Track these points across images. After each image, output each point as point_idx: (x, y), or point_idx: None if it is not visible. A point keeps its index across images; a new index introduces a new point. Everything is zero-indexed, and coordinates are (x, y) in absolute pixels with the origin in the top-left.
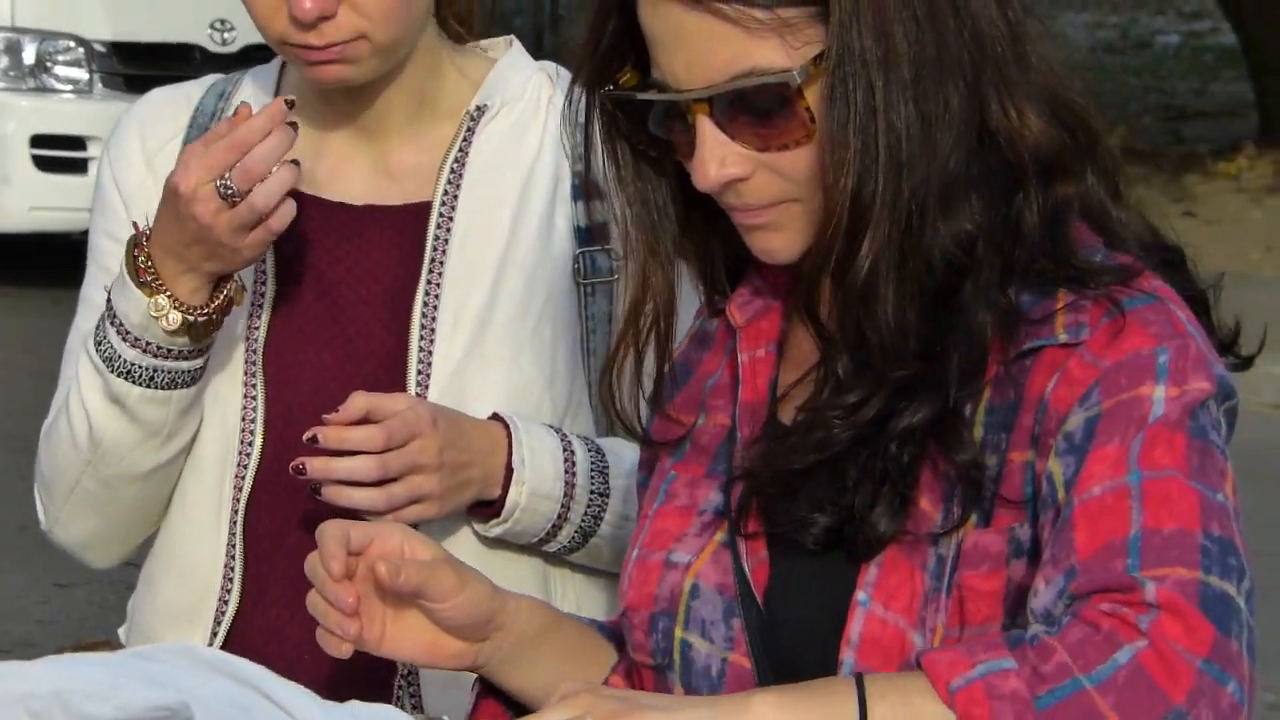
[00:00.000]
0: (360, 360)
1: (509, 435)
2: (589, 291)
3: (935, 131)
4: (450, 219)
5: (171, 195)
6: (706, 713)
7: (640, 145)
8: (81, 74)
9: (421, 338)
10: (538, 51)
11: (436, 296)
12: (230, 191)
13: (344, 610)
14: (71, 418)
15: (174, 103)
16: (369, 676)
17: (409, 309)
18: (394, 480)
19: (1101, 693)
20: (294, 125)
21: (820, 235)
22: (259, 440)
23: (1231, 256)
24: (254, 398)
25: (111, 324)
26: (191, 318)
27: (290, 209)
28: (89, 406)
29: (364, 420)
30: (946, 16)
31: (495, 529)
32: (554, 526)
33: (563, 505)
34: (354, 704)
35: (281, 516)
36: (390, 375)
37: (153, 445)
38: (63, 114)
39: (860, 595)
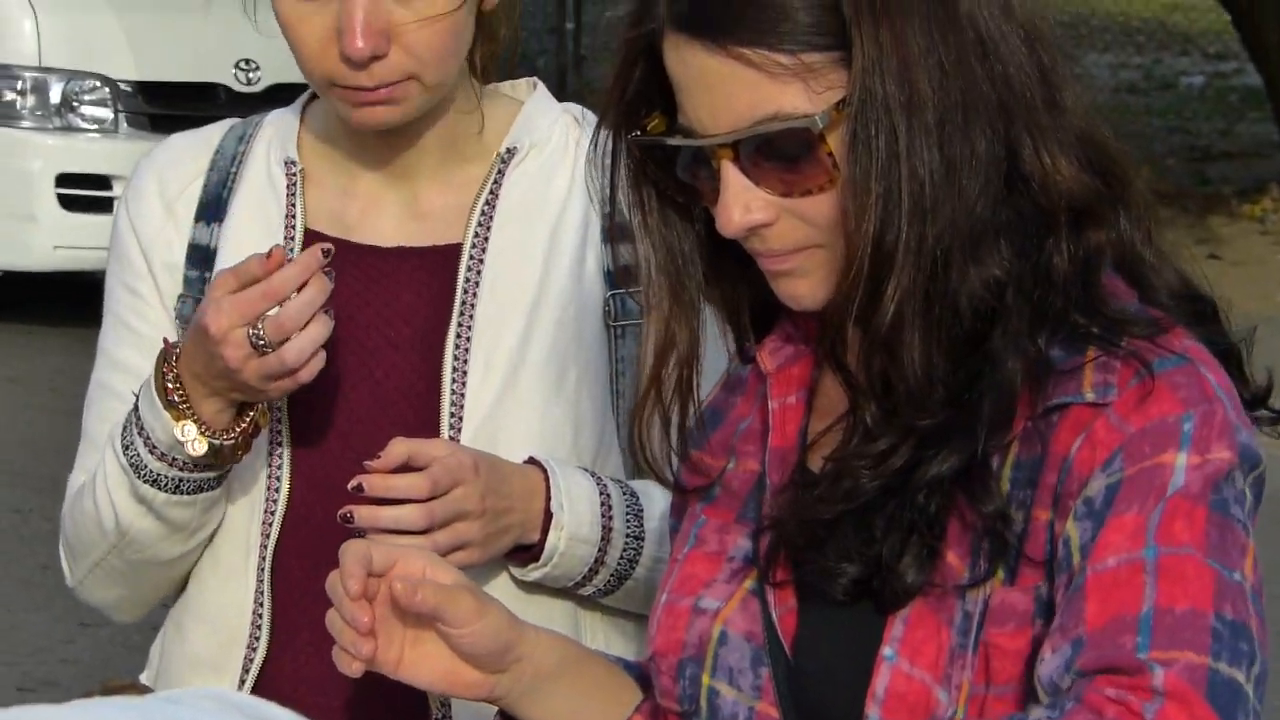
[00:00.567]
0: (389, 403)
1: (546, 479)
2: (618, 334)
3: (961, 177)
4: (481, 261)
5: (201, 334)
6: None
7: (667, 191)
8: (107, 113)
9: (454, 380)
10: (561, 92)
11: (468, 339)
12: (262, 342)
13: (359, 629)
14: (98, 503)
15: (193, 147)
16: None
17: (439, 351)
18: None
19: None
20: (329, 272)
21: (843, 281)
22: (286, 485)
23: (1256, 298)
24: (280, 442)
25: (139, 433)
26: (218, 442)
27: (320, 362)
28: (115, 501)
29: (404, 466)
30: (974, 62)
31: (534, 573)
32: (590, 570)
33: (599, 549)
34: None
35: (310, 561)
36: (420, 418)
37: (178, 539)
38: (88, 153)
39: (886, 650)
